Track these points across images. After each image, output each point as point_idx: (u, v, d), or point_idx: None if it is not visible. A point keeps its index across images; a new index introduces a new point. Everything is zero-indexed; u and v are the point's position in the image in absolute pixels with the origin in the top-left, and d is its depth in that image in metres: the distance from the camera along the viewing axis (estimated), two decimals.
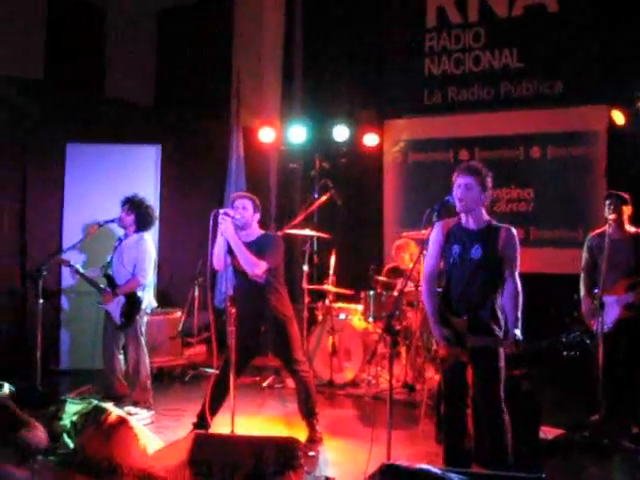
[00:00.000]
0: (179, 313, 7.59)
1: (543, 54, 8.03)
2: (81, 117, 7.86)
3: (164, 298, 7.61)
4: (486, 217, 4.21)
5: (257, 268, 5.01)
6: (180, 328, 7.54)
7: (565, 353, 6.96)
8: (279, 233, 6.11)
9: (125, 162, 7.70)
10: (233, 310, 4.69)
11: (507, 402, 4.11)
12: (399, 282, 7.02)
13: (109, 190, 7.04)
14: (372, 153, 8.85)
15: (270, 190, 9.50)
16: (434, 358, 6.33)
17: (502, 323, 4.12)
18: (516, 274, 4.13)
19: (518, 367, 4.69)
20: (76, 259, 6.80)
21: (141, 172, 7.73)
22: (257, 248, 5.06)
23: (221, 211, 4.93)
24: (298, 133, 8.82)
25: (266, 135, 8.87)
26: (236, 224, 5.03)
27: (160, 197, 7.78)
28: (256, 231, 5.22)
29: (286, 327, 5.22)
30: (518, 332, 4.08)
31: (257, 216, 5.22)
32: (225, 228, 4.92)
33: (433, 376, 6.40)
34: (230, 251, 5.02)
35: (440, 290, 4.29)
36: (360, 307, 7.30)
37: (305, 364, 5.40)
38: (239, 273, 5.14)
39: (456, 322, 4.12)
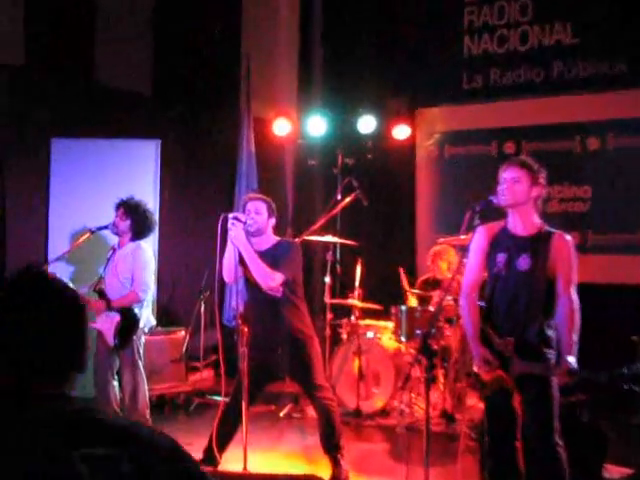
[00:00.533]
0: (182, 333, 7.63)
1: (602, 28, 7.97)
2: (68, 109, 7.92)
3: (165, 315, 7.66)
4: (538, 221, 4.18)
5: (272, 280, 5.03)
6: (184, 350, 7.58)
7: (626, 387, 6.89)
8: (297, 240, 6.13)
9: (119, 160, 7.75)
10: (245, 329, 4.73)
11: (565, 434, 4.07)
12: (436, 295, 7.02)
13: (101, 192, 7.08)
14: (403, 147, 8.86)
15: (286, 191, 9.54)
16: (476, 383, 6.30)
17: (555, 346, 4.05)
18: (572, 290, 4.05)
19: (573, 393, 4.64)
20: (63, 272, 6.86)
21: (138, 171, 7.78)
22: (272, 257, 5.09)
23: (231, 215, 4.98)
24: (317, 125, 8.85)
25: (281, 127, 8.91)
26: (248, 230, 5.06)
27: (160, 200, 7.83)
28: (271, 238, 5.25)
29: (306, 348, 5.24)
30: (573, 360, 3.96)
31: (272, 221, 5.25)
32: (235, 235, 4.95)
33: (476, 404, 6.37)
34: (241, 261, 5.04)
35: (482, 304, 4.27)
36: (391, 324, 7.30)
37: (328, 390, 5.41)
38: (251, 286, 5.18)
39: (500, 343, 4.09)
